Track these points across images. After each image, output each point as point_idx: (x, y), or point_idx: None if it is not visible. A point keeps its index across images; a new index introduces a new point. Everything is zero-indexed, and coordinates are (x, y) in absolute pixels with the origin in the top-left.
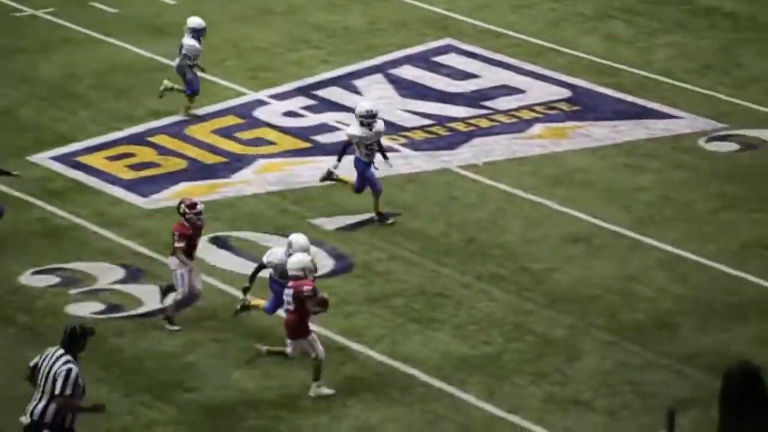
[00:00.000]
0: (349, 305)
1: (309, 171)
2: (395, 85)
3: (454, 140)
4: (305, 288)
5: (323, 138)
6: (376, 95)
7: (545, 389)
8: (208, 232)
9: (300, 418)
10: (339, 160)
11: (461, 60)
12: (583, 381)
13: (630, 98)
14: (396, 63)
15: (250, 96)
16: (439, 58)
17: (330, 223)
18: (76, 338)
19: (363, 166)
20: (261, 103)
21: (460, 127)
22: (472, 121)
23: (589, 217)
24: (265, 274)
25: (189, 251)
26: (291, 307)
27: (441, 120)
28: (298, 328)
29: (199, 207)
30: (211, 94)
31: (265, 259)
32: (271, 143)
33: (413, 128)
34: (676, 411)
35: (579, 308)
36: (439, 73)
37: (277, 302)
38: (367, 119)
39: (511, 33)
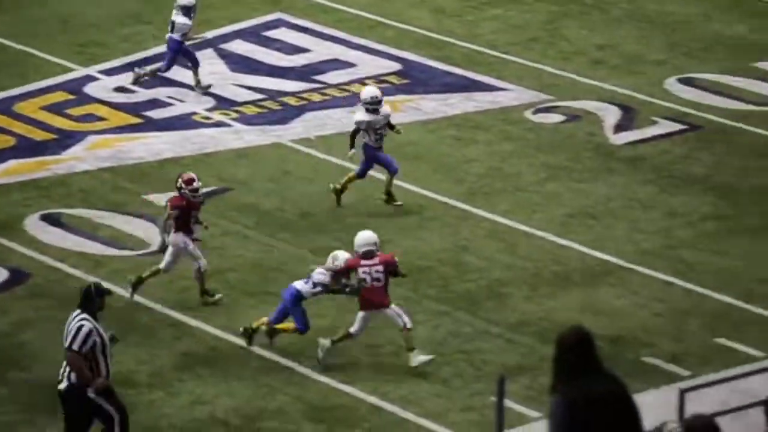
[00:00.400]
0: (185, 280)
1: (141, 147)
2: (226, 59)
3: (286, 115)
4: (395, 258)
5: (155, 113)
6: (207, 70)
7: (380, 360)
8: (39, 209)
9: (135, 394)
10: (351, 146)
11: (292, 34)
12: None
13: (459, 71)
14: (227, 38)
15: (80, 72)
16: (269, 33)
17: (163, 199)
18: (90, 297)
19: (373, 151)
20: (91, 78)
21: (291, 101)
22: (303, 95)
23: (420, 189)
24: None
25: (186, 225)
26: (380, 282)
27: (273, 95)
28: (385, 299)
29: (196, 184)
30: (40, 70)
31: (308, 289)
32: (101, 119)
33: (245, 103)
34: (506, 378)
35: (412, 279)
36: (270, 47)
37: (305, 320)
38: (373, 105)
39: (341, 7)
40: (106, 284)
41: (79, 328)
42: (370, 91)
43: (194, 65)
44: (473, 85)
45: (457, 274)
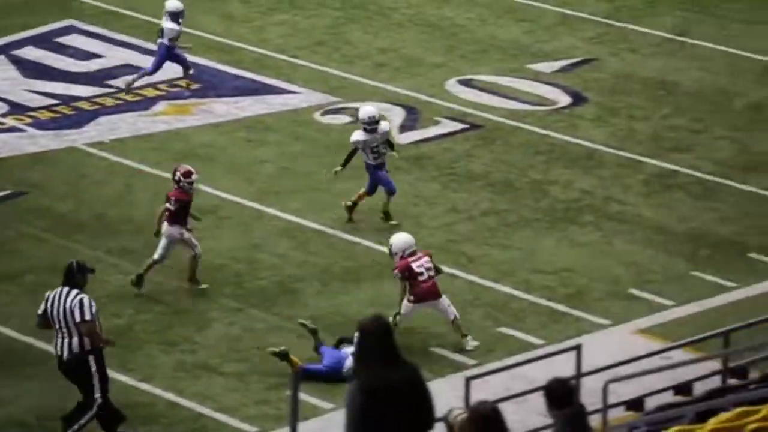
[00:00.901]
0: None
1: None
2: (18, 65)
3: (79, 119)
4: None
5: None
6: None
7: (176, 357)
8: None
9: None
10: (344, 165)
11: (84, 40)
12: (212, 347)
13: (249, 75)
14: (19, 44)
15: None
16: (61, 39)
17: None
18: (72, 273)
19: (373, 169)
20: None
21: (85, 106)
22: (97, 99)
23: (214, 190)
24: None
25: (183, 217)
26: (432, 273)
27: (66, 100)
28: (438, 290)
29: (194, 177)
30: None
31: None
32: None
33: (38, 108)
34: (300, 371)
35: (207, 278)
36: (63, 53)
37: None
38: (371, 125)
39: (132, 14)
40: None
41: (81, 300)
42: (367, 110)
43: (185, 69)
44: (263, 88)
45: (251, 271)
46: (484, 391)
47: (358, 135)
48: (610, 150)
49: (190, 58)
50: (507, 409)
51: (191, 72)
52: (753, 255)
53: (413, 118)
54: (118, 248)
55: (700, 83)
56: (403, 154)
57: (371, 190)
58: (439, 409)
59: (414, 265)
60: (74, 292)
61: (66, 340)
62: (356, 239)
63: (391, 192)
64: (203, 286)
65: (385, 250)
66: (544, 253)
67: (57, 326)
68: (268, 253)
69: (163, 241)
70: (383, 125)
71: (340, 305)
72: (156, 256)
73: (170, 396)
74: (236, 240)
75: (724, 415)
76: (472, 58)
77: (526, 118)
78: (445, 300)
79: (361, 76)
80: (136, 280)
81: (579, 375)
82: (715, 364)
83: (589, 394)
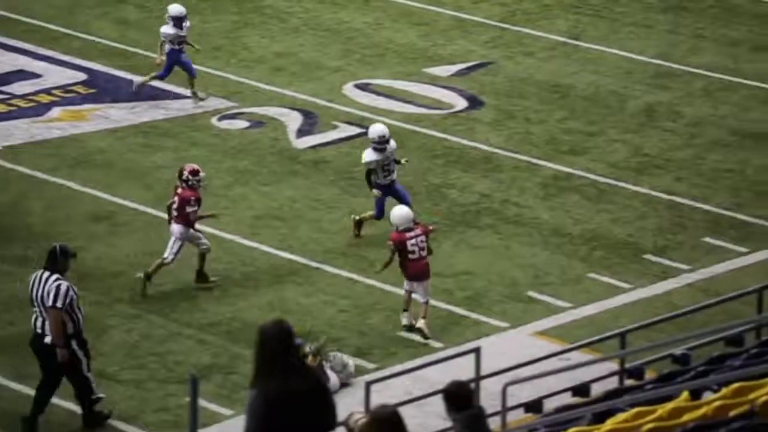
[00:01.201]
0: None
1: None
2: None
3: None
4: (431, 227)
5: None
6: None
7: None
8: None
9: None
10: (371, 187)
11: None
12: (110, 355)
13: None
14: None
15: None
16: None
17: None
18: (55, 256)
19: (385, 189)
20: None
21: None
22: None
23: (110, 196)
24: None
25: (192, 218)
26: (424, 252)
27: None
28: (426, 270)
29: (202, 174)
30: None
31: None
32: None
33: None
34: (199, 378)
35: (104, 284)
36: None
37: None
38: (381, 144)
39: (26, 19)
40: None
41: (58, 287)
42: (377, 129)
43: (190, 77)
44: (160, 93)
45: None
46: (384, 394)
47: (370, 155)
48: (507, 153)
49: (86, 63)
50: (407, 413)
51: (194, 79)
52: (648, 256)
53: (311, 122)
54: (13, 256)
55: (594, 86)
56: (301, 159)
57: (380, 215)
58: (341, 413)
59: (409, 243)
60: (54, 276)
61: (44, 321)
62: (255, 244)
63: (408, 204)
64: (213, 279)
65: (285, 254)
66: (442, 257)
67: (37, 309)
68: None
69: (171, 240)
70: (392, 143)
71: (239, 311)
72: (167, 256)
73: (68, 405)
74: (134, 246)
75: (621, 416)
76: (368, 62)
77: (423, 122)
78: (428, 282)
79: (258, 81)
80: (144, 278)
81: (478, 378)
82: (612, 365)
83: (489, 396)
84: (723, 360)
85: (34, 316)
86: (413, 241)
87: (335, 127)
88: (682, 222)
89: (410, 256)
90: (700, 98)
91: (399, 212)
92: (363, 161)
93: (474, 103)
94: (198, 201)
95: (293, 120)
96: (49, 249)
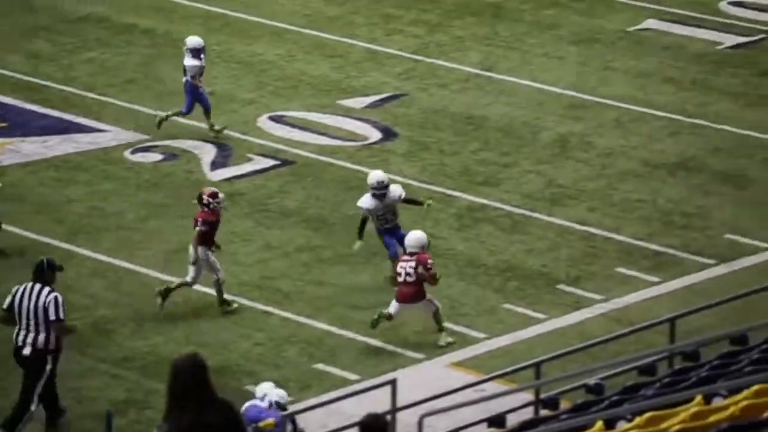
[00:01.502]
0: None
1: None
2: None
3: None
4: (429, 260)
5: None
6: None
7: None
8: None
9: None
10: (360, 236)
11: None
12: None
13: (57, 114)
14: None
15: None
16: None
17: None
18: (42, 270)
19: (384, 233)
20: None
21: None
22: None
23: (22, 231)
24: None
25: (211, 238)
26: (409, 278)
27: None
28: (419, 294)
29: (221, 196)
30: None
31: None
32: None
33: None
34: (113, 413)
35: None
36: None
37: None
38: (380, 190)
39: None
40: None
41: (56, 299)
42: (375, 175)
43: (206, 113)
44: (72, 126)
45: None
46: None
47: (365, 202)
48: (421, 184)
49: (15, 97)
50: None
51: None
52: (561, 287)
53: (225, 154)
54: None
55: (508, 118)
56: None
57: (395, 254)
58: None
59: (399, 265)
60: (46, 289)
61: (32, 336)
62: (170, 278)
63: (392, 257)
64: (234, 305)
65: (199, 287)
66: (359, 289)
67: (24, 321)
68: (80, 293)
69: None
70: (393, 190)
71: (155, 345)
72: (188, 278)
73: None
74: None
75: None
76: (282, 94)
77: (337, 153)
78: (416, 307)
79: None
80: (164, 293)
81: (394, 409)
82: (528, 396)
83: (405, 428)
84: (636, 389)
85: (16, 331)
86: (402, 264)
87: (249, 159)
88: (595, 252)
89: (398, 278)
90: (612, 129)
91: (412, 234)
92: (358, 204)
93: (388, 134)
94: (206, 222)
95: (207, 152)
96: (36, 262)
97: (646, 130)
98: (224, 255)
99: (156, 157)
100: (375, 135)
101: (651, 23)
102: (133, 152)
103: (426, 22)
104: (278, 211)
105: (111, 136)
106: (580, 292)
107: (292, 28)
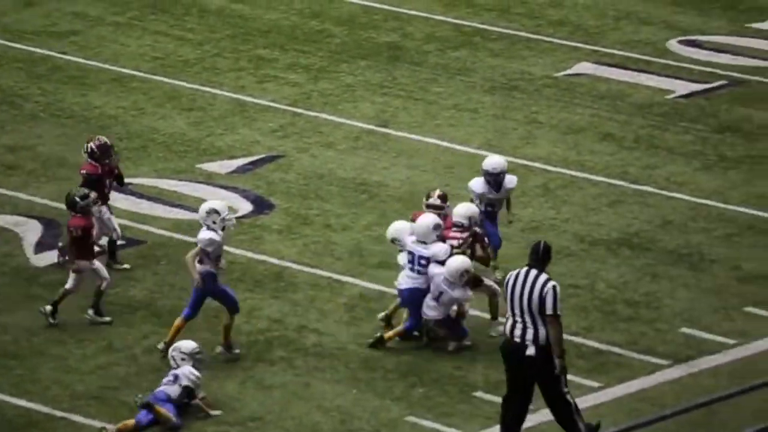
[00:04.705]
0: None
1: None
2: None
3: None
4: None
5: None
6: None
7: None
8: None
9: None
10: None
11: None
12: None
13: None
14: None
15: None
16: None
17: None
18: None
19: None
20: None
21: None
22: None
23: None
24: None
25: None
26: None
27: None
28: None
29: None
30: None
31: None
32: None
33: None
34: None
35: None
36: None
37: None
38: (495, 177)
39: None
40: None
41: None
42: (492, 161)
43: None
44: None
45: None
46: None
47: (477, 186)
48: (303, 268)
49: None
50: None
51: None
52: (479, 394)
53: (53, 234)
54: None
55: (409, 184)
56: (42, 280)
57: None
58: None
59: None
60: None
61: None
62: None
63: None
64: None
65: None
66: (226, 400)
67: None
68: None
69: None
70: (509, 180)
71: None
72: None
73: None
74: None
75: None
76: (127, 156)
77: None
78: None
79: None
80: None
81: None
82: None
83: None
84: None
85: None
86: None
87: None
88: None
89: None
90: (538, 198)
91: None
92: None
93: (261, 206)
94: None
95: (31, 231)
96: None
97: (579, 199)
98: (53, 359)
99: None
100: (244, 207)
101: (584, 67)
102: None
103: (307, 67)
104: (123, 303)
105: None
106: (499, 400)
107: (139, 74)
